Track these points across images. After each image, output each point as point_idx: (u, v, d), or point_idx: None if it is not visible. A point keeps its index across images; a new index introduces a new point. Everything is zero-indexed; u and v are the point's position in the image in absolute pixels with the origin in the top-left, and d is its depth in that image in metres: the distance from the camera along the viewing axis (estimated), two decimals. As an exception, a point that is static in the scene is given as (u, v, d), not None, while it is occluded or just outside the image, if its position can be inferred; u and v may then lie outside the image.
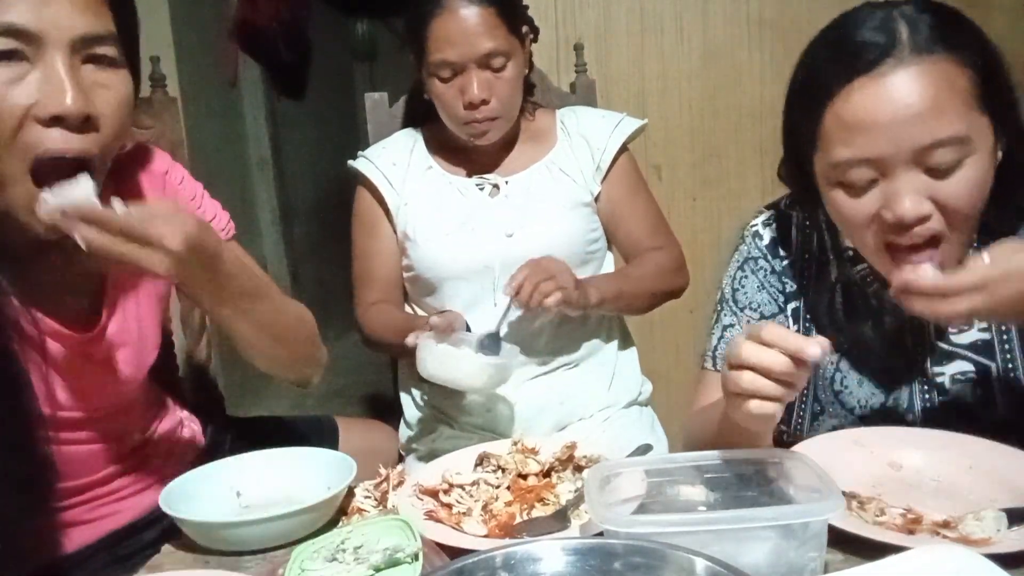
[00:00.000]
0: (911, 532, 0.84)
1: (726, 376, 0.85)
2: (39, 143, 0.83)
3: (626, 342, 1.66)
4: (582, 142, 1.58)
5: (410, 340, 1.34)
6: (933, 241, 0.93)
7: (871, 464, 0.97)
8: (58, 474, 0.99)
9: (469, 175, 1.56)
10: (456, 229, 1.52)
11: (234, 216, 1.27)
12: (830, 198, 0.98)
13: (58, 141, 0.84)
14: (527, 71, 1.54)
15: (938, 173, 0.90)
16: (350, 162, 1.61)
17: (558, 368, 1.54)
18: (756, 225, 1.19)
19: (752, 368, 0.82)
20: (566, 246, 1.51)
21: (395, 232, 1.56)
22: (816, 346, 0.81)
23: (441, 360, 1.33)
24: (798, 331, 1.13)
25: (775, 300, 1.15)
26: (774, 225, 1.17)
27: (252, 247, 3.73)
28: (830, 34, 0.98)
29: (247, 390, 3.33)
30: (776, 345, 0.81)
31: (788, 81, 1.02)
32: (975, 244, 1.01)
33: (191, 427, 1.32)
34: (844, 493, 0.89)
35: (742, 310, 1.17)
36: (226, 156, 3.44)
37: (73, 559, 1.12)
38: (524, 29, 1.51)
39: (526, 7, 1.56)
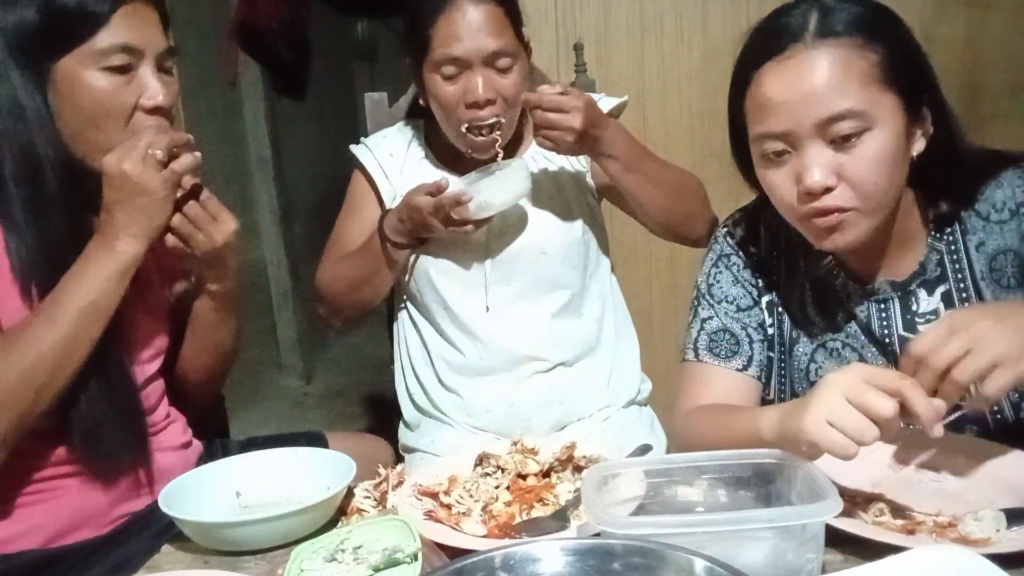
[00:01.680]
0: (911, 533, 0.84)
1: (825, 395, 0.83)
2: (143, 125, 1.13)
3: (626, 339, 1.66)
4: None
5: (443, 186, 1.37)
6: (839, 215, 1.00)
7: (871, 464, 0.97)
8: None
9: (462, 172, 1.53)
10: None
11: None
12: (760, 175, 1.07)
13: (153, 123, 1.14)
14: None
15: (841, 147, 0.98)
16: (351, 146, 1.61)
17: (556, 367, 1.54)
18: (727, 225, 1.25)
19: (864, 408, 0.81)
20: (559, 238, 1.51)
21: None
22: (938, 427, 0.81)
23: (494, 189, 1.38)
24: (772, 323, 1.19)
25: (749, 293, 1.20)
26: (743, 225, 1.22)
27: (252, 247, 3.73)
28: (760, 23, 1.10)
29: (247, 390, 3.33)
30: (903, 396, 0.81)
31: None
32: (930, 218, 1.08)
33: (189, 433, 1.33)
34: (844, 494, 0.89)
35: (719, 303, 1.20)
36: (226, 156, 3.44)
37: (73, 558, 1.12)
38: (526, 38, 1.49)
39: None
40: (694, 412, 1.15)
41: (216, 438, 1.42)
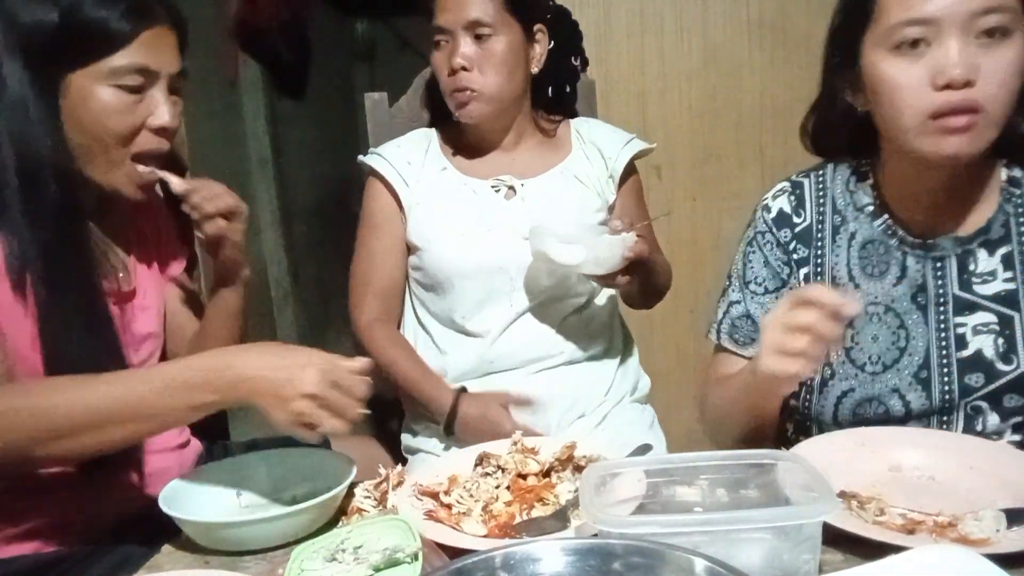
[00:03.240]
0: (911, 532, 0.84)
1: (765, 335, 0.96)
2: (147, 144, 1.15)
3: (627, 340, 1.66)
4: (595, 151, 1.60)
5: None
6: (974, 111, 0.98)
7: (872, 464, 0.98)
8: None
9: (484, 177, 1.56)
10: (470, 229, 1.51)
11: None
12: (881, 74, 1.03)
13: (155, 142, 1.16)
14: (536, 68, 1.55)
15: (983, 43, 0.97)
16: (361, 158, 1.60)
17: (559, 366, 1.54)
18: (767, 199, 1.23)
19: (792, 328, 0.93)
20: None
21: (404, 232, 1.55)
22: (854, 304, 0.93)
23: (578, 250, 1.39)
24: None
25: (779, 274, 1.20)
26: (784, 196, 1.21)
27: (252, 247, 3.72)
28: None
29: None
30: (816, 302, 0.92)
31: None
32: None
33: (186, 433, 1.33)
34: (844, 493, 0.89)
35: (747, 285, 1.21)
36: (226, 156, 3.44)
37: (73, 558, 1.12)
38: (536, 27, 1.53)
39: (553, 14, 1.60)
40: (713, 382, 1.26)
41: (217, 439, 1.42)
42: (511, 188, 1.55)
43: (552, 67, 1.58)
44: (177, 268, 1.37)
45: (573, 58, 1.67)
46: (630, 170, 1.62)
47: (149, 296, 1.28)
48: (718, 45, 2.27)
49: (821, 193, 1.19)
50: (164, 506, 0.98)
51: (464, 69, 1.46)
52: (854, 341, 1.13)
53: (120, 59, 1.09)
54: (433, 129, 1.63)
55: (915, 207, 1.11)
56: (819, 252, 1.18)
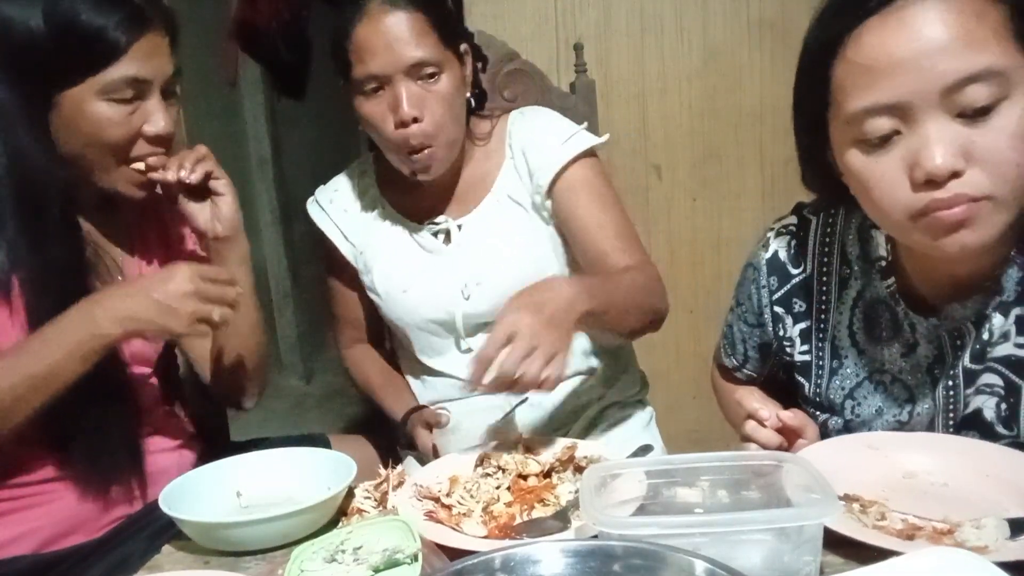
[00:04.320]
0: (909, 538, 0.83)
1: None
2: (143, 151, 1.15)
3: (625, 345, 1.66)
4: (523, 161, 1.42)
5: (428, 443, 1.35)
6: (970, 205, 0.81)
7: (883, 468, 0.96)
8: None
9: (420, 218, 1.45)
10: (412, 284, 1.44)
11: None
12: (853, 169, 0.87)
13: (152, 150, 1.15)
14: (470, 92, 1.40)
15: (971, 119, 0.80)
16: (308, 204, 1.53)
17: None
18: (771, 232, 1.12)
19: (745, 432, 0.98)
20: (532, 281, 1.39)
21: (359, 275, 1.51)
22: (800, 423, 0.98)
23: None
24: (808, 351, 1.08)
25: (757, 313, 1.14)
26: (785, 238, 1.10)
27: (252, 247, 3.72)
28: None
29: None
30: (755, 419, 0.97)
31: (789, 81, 0.99)
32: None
33: (186, 434, 1.33)
34: (846, 496, 0.89)
35: (739, 306, 1.19)
36: (226, 156, 3.42)
37: (68, 563, 1.12)
38: (463, 47, 1.38)
39: (468, 31, 1.47)
40: (716, 372, 1.28)
41: (217, 439, 1.42)
42: (448, 233, 1.44)
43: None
44: None
45: (469, 46, 1.42)
46: (569, 164, 1.38)
47: None
48: (718, 45, 2.27)
49: (828, 240, 1.06)
50: (164, 506, 0.98)
51: (415, 120, 1.28)
52: (855, 413, 1.05)
53: (113, 73, 1.08)
54: (370, 157, 1.53)
55: (927, 274, 0.98)
56: (822, 308, 1.07)
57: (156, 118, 1.13)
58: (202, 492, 1.06)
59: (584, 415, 1.52)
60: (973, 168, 0.81)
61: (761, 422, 0.97)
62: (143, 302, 1.04)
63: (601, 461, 1.01)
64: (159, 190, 1.24)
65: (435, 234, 1.45)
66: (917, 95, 0.80)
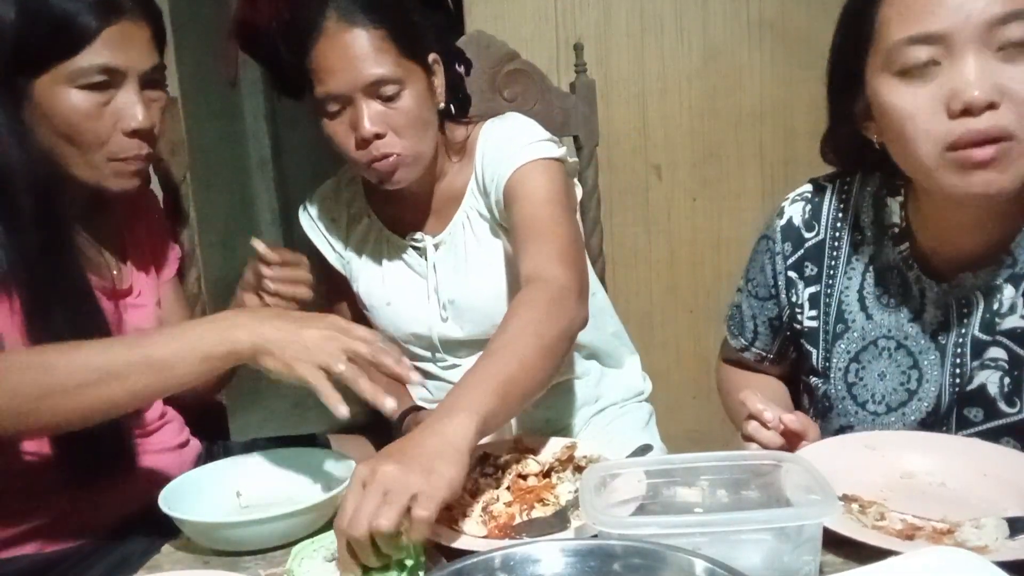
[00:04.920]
0: (909, 538, 0.83)
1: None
2: (122, 150, 1.11)
3: (624, 343, 1.66)
4: (482, 171, 1.37)
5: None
6: (1000, 140, 0.84)
7: (882, 468, 0.96)
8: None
9: (403, 231, 1.43)
10: (395, 297, 1.43)
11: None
12: (885, 100, 0.90)
13: (134, 147, 1.12)
14: (445, 101, 1.36)
15: (1009, 56, 0.83)
16: (299, 212, 1.51)
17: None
18: (786, 201, 1.14)
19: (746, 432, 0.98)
20: (504, 299, 1.36)
21: (350, 282, 1.50)
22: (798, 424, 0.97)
23: None
24: (816, 316, 1.10)
25: (769, 285, 1.16)
26: (800, 204, 1.12)
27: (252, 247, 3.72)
28: None
29: (247, 391, 3.33)
30: (757, 418, 0.98)
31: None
32: None
33: (185, 433, 1.33)
34: (845, 496, 0.89)
35: (748, 282, 1.21)
36: (226, 156, 3.44)
37: (73, 558, 1.12)
38: (431, 57, 1.32)
39: (444, 39, 1.42)
40: (721, 368, 1.30)
41: (217, 439, 1.42)
42: (424, 250, 1.42)
43: (447, 81, 1.37)
44: (169, 273, 1.37)
45: (450, 54, 1.41)
46: (522, 168, 1.30)
47: (145, 295, 1.28)
48: (718, 45, 2.27)
49: (842, 205, 1.09)
50: (164, 506, 0.98)
51: (378, 136, 1.25)
52: (858, 376, 1.06)
53: (83, 60, 1.05)
54: None
55: (940, 239, 1.00)
56: (831, 272, 1.09)
57: (133, 112, 1.09)
58: (202, 492, 1.06)
59: (584, 415, 1.52)
60: (1006, 105, 0.83)
61: (764, 423, 0.98)
62: (282, 333, 0.97)
63: (601, 461, 1.01)
64: (158, 190, 1.24)
65: (415, 249, 1.44)
66: (960, 27, 0.83)
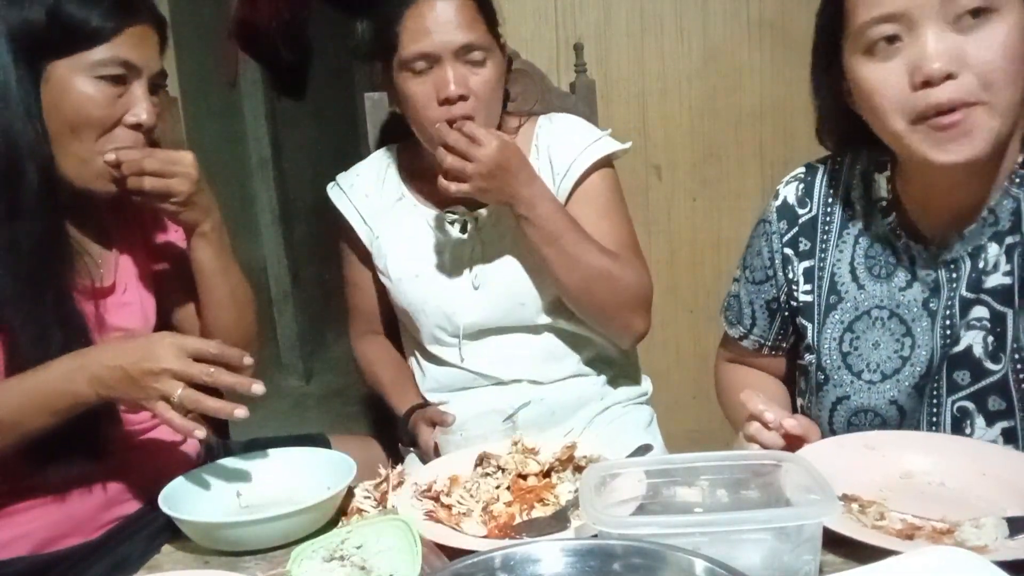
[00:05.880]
0: (909, 538, 0.83)
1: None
2: (122, 140, 1.14)
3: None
4: (547, 163, 1.46)
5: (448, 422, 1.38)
6: (965, 111, 0.90)
7: (882, 468, 0.96)
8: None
9: (441, 205, 1.47)
10: (424, 270, 1.47)
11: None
12: (856, 76, 0.97)
13: (131, 139, 1.15)
14: (507, 83, 1.45)
15: (964, 28, 0.89)
16: (328, 188, 1.56)
17: (548, 383, 1.50)
18: (781, 184, 1.18)
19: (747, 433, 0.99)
20: (533, 296, 1.44)
21: (375, 263, 1.53)
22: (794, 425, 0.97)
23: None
24: (811, 290, 1.13)
25: (766, 267, 1.18)
26: (794, 184, 1.16)
27: (252, 247, 3.73)
28: None
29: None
30: (757, 418, 0.99)
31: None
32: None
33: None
34: (845, 496, 0.89)
35: (745, 270, 1.22)
36: (226, 156, 3.44)
37: (67, 563, 1.12)
38: (502, 38, 1.42)
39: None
40: (720, 368, 1.31)
41: (216, 438, 1.42)
42: (465, 222, 1.47)
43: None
44: (168, 263, 1.35)
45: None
46: (590, 171, 1.45)
47: (130, 292, 1.27)
48: (718, 45, 2.27)
49: (833, 182, 1.13)
50: (164, 506, 0.98)
51: (462, 98, 1.32)
52: (852, 346, 1.09)
53: (101, 52, 1.10)
54: (395, 147, 1.56)
55: (925, 206, 1.04)
56: (823, 247, 1.13)
57: (140, 107, 1.14)
58: (202, 492, 1.06)
59: (585, 415, 1.52)
60: (966, 74, 0.89)
61: (765, 424, 0.98)
62: (117, 374, 1.02)
63: (601, 461, 1.01)
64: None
65: (452, 223, 1.47)
66: (918, 4, 0.90)
